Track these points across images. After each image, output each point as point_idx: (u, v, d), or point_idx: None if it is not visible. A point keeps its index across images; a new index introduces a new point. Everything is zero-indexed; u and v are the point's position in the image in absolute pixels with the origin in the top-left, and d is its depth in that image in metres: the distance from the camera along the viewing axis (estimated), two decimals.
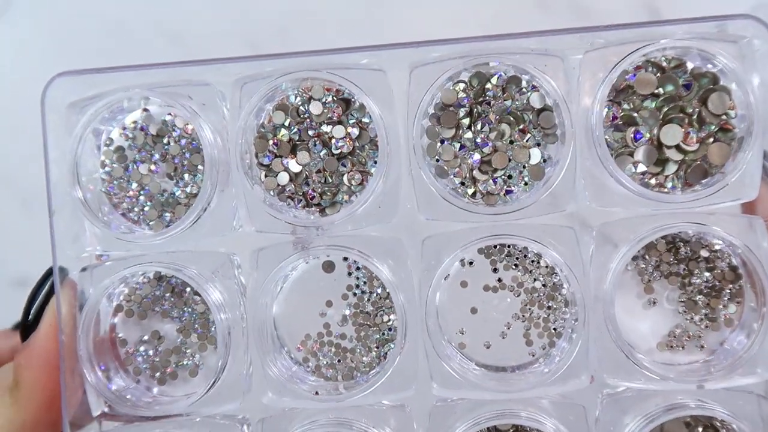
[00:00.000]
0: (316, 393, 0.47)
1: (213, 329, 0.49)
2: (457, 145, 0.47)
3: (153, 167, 0.49)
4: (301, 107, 0.47)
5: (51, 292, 0.48)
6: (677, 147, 0.45)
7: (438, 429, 0.48)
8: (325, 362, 0.49)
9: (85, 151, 0.49)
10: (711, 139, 0.45)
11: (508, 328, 0.49)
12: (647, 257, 0.48)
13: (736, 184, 0.45)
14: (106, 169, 0.49)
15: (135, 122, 0.49)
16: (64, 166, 0.48)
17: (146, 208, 0.49)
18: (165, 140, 0.49)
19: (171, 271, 0.47)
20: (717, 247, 0.47)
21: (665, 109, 0.45)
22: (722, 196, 0.45)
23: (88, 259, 0.49)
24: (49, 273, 0.48)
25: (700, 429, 0.47)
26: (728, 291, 0.47)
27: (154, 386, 0.50)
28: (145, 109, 0.49)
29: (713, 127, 0.45)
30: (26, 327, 0.49)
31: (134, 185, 0.49)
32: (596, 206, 0.48)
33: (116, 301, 0.50)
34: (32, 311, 0.48)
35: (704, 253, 0.47)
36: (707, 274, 0.47)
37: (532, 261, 0.48)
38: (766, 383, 0.46)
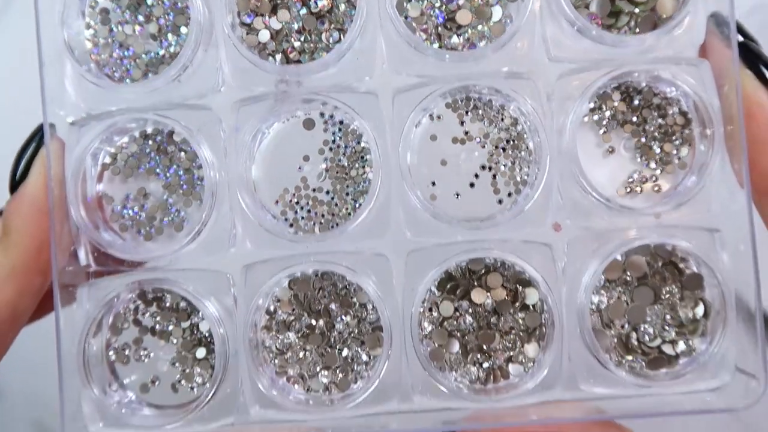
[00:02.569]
0: (291, 226, 0.49)
1: (198, 186, 0.51)
2: (424, 2, 0.50)
3: (137, 28, 0.51)
4: None
5: (39, 149, 0.50)
6: None
7: (414, 274, 0.50)
8: (302, 215, 0.52)
9: (71, 15, 0.51)
10: None
11: (477, 178, 0.51)
12: (603, 108, 0.51)
13: (684, 35, 0.49)
14: (91, 30, 0.51)
15: None
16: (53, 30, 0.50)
17: (131, 69, 0.51)
18: (149, 1, 0.51)
19: (158, 119, 0.49)
20: (668, 95, 0.50)
21: None
22: (671, 45, 0.49)
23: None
24: (37, 130, 0.50)
25: (660, 264, 0.49)
26: (680, 135, 0.50)
27: (140, 243, 0.52)
28: None
29: None
30: (15, 184, 0.50)
31: (118, 46, 0.51)
32: (555, 61, 0.51)
33: (102, 160, 0.52)
34: (20, 168, 0.50)
35: (656, 101, 0.50)
36: (660, 120, 0.50)
37: (497, 113, 0.51)
38: (719, 218, 0.49)
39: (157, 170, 0.52)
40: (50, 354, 0.48)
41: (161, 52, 0.51)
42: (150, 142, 0.52)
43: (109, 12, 0.52)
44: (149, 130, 0.52)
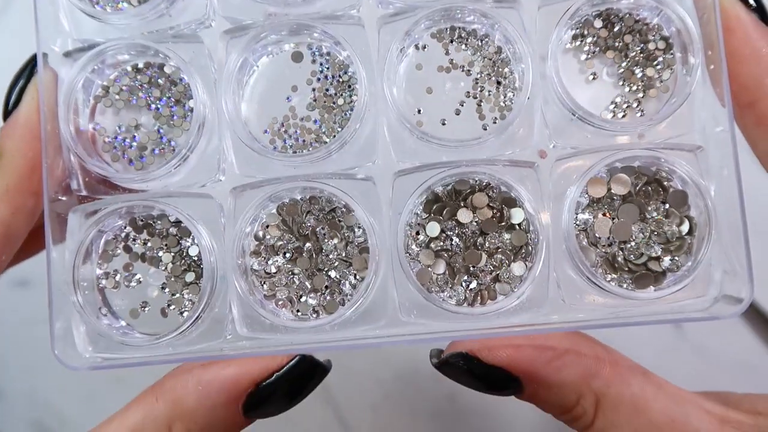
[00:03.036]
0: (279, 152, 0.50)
1: (189, 117, 0.52)
2: None
3: None
4: None
5: (30, 78, 0.51)
6: None
7: (401, 197, 0.51)
8: (290, 143, 0.52)
9: None
10: None
11: (462, 106, 0.52)
12: (585, 34, 0.52)
13: None
14: None
15: None
16: None
17: (123, 3, 0.53)
18: None
19: (152, 45, 0.50)
20: (649, 21, 0.51)
21: None
22: None
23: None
24: (30, 61, 0.51)
25: (644, 182, 0.50)
26: (662, 60, 0.51)
27: (132, 171, 0.53)
28: None
29: None
30: (8, 112, 0.51)
31: None
32: None
33: (94, 93, 0.53)
34: (13, 96, 0.51)
35: (638, 27, 0.51)
36: (642, 45, 0.51)
37: (481, 42, 0.52)
38: (702, 137, 0.50)
39: (149, 102, 0.53)
40: (50, 354, 0.48)
41: None
42: (141, 75, 0.53)
43: None
44: (140, 64, 0.53)
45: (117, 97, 0.53)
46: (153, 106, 0.53)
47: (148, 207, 0.51)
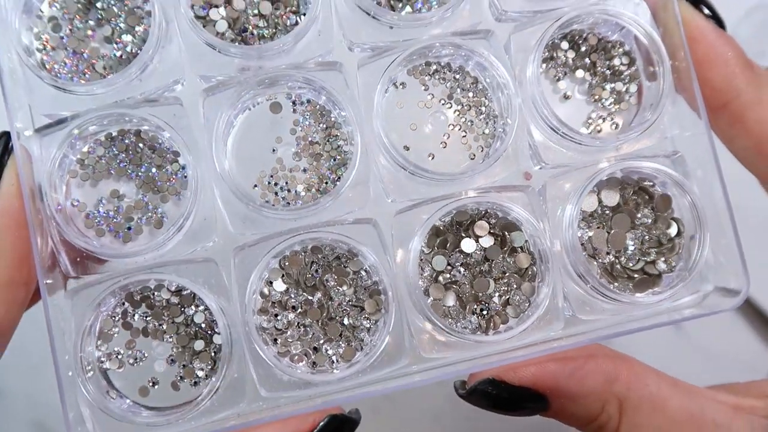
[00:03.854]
0: (273, 206, 0.50)
1: (172, 181, 0.51)
2: None
3: (90, 33, 0.51)
4: None
5: (2, 160, 0.48)
6: None
7: (403, 236, 0.51)
8: (282, 195, 0.52)
9: (23, 26, 0.50)
10: None
11: (447, 138, 0.53)
12: (554, 57, 0.54)
13: None
14: (42, 39, 0.51)
15: None
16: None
17: (89, 74, 0.51)
18: (99, 5, 0.51)
19: (131, 113, 0.49)
20: (612, 37, 0.54)
21: None
22: None
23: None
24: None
25: (631, 192, 0.52)
26: (627, 74, 0.54)
27: (119, 247, 0.51)
28: None
29: None
30: None
31: (72, 53, 0.51)
32: (503, 22, 0.54)
33: (69, 167, 0.51)
34: None
35: (601, 45, 0.54)
36: (608, 62, 0.54)
37: (456, 73, 0.53)
38: (676, 143, 0.53)
39: (129, 170, 0.51)
40: (50, 354, 0.46)
41: (118, 54, 0.51)
42: (116, 143, 0.51)
43: (58, 19, 0.51)
44: (114, 132, 0.51)
45: (94, 169, 0.51)
46: (133, 173, 0.51)
47: (143, 280, 0.49)
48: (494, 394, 0.48)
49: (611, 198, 0.52)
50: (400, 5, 0.53)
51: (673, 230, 0.52)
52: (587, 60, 0.54)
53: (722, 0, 0.52)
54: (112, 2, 0.51)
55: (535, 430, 0.74)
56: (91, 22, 0.51)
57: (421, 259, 0.51)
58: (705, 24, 0.50)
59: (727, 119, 0.50)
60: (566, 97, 0.54)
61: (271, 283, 0.50)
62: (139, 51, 0.51)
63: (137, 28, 0.51)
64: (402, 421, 0.73)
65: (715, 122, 0.51)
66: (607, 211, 0.52)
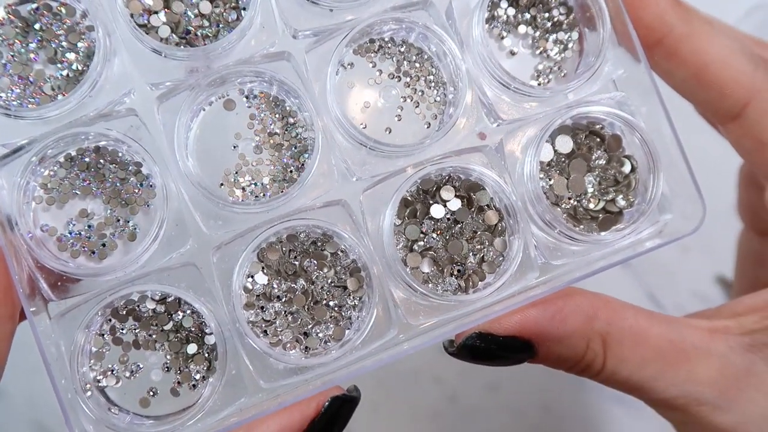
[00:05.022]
0: (242, 201, 0.51)
1: (138, 192, 0.51)
2: None
3: (32, 56, 0.51)
4: None
5: None
6: None
7: (373, 211, 0.52)
8: (250, 190, 0.52)
9: None
10: None
11: (401, 111, 0.54)
12: (496, 17, 0.55)
13: None
14: None
15: (1, 19, 0.50)
16: None
17: (38, 97, 0.51)
18: (37, 27, 0.51)
19: (89, 131, 0.49)
20: None
21: None
22: None
23: None
24: None
25: (583, 137, 0.54)
26: (567, 23, 0.55)
27: (95, 265, 0.51)
28: (9, 5, 0.51)
29: None
30: None
31: (16, 78, 0.50)
32: None
33: (33, 193, 0.51)
34: None
35: None
36: (547, 14, 0.55)
37: (401, 47, 0.54)
38: (620, 84, 0.55)
39: (93, 187, 0.51)
40: None
41: (64, 73, 0.51)
42: (77, 163, 0.51)
43: None
44: (73, 152, 0.51)
45: (59, 191, 0.51)
46: (99, 190, 0.51)
47: (126, 294, 0.50)
48: (482, 347, 0.50)
49: (565, 145, 0.54)
50: None
51: (627, 167, 0.54)
52: (527, 15, 0.55)
53: (722, 0, 0.54)
54: (51, 22, 0.51)
55: (534, 427, 0.77)
56: (32, 45, 0.51)
57: (395, 232, 0.52)
58: None
59: (663, 54, 0.53)
60: (513, 54, 0.56)
61: (253, 276, 0.51)
62: (85, 68, 0.51)
63: (80, 45, 0.51)
64: (400, 419, 0.75)
65: (652, 59, 0.53)
66: (563, 158, 0.54)
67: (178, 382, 0.50)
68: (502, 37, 0.55)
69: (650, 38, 0.52)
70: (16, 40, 0.51)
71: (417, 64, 0.54)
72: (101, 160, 0.51)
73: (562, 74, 0.56)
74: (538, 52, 0.56)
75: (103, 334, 0.50)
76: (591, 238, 0.52)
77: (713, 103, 0.53)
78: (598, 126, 0.54)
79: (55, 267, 0.49)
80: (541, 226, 0.53)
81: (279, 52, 0.53)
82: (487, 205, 0.53)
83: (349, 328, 0.51)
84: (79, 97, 0.49)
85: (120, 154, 0.51)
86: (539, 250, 0.54)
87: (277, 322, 0.51)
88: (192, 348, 0.50)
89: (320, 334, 0.51)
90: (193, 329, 0.51)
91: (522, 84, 0.52)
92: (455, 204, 0.53)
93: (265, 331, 0.51)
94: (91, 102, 0.51)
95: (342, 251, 0.52)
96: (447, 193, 0.53)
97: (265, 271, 0.51)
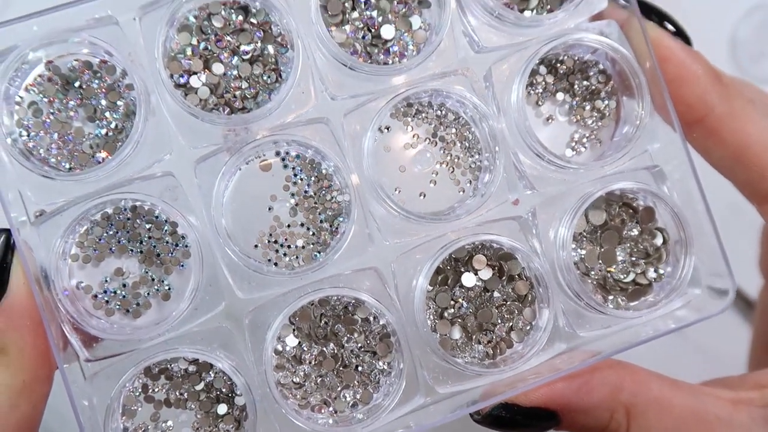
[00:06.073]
0: (276, 265, 0.51)
1: (173, 252, 0.52)
2: (347, 28, 0.53)
3: (72, 114, 0.51)
4: (204, 22, 0.51)
5: (5, 257, 0.49)
6: None
7: (403, 276, 0.53)
8: (284, 252, 0.53)
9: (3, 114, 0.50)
10: None
11: (436, 175, 0.54)
12: (534, 83, 0.55)
13: (585, 6, 0.54)
14: (25, 125, 0.50)
15: (41, 75, 0.51)
16: None
17: (76, 155, 0.51)
18: (77, 84, 0.51)
19: (121, 195, 0.49)
20: (586, 58, 0.55)
21: None
22: (582, 12, 0.54)
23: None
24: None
25: (616, 209, 0.54)
26: (605, 91, 0.55)
27: (130, 323, 0.52)
28: (49, 62, 0.51)
29: None
30: None
31: (56, 135, 0.51)
32: (481, 52, 0.54)
33: (70, 252, 0.51)
34: None
35: (578, 66, 0.55)
36: (585, 82, 0.55)
37: (439, 111, 0.54)
38: (656, 156, 0.55)
39: (129, 246, 0.51)
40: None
41: (103, 131, 0.51)
42: (114, 222, 0.51)
43: (37, 104, 0.51)
44: (110, 211, 0.51)
45: (95, 249, 0.51)
46: (134, 249, 0.52)
47: (163, 352, 0.50)
48: (507, 417, 0.51)
49: (598, 217, 0.54)
50: (376, 51, 0.53)
51: (658, 240, 0.54)
52: (565, 82, 0.55)
53: (722, 0, 0.53)
54: (90, 80, 0.51)
55: None
56: (72, 103, 0.51)
57: (426, 298, 0.52)
58: (673, 44, 0.51)
59: (703, 132, 0.53)
60: (549, 120, 0.56)
61: (284, 339, 0.52)
62: (123, 126, 0.51)
63: (119, 103, 0.51)
64: None
65: (691, 135, 0.53)
66: (595, 229, 0.54)
67: None
68: (540, 104, 0.55)
69: (690, 117, 0.52)
70: (56, 98, 0.51)
71: (453, 129, 0.54)
72: (137, 220, 0.51)
73: (599, 142, 0.56)
74: (575, 119, 0.55)
75: (134, 392, 0.51)
76: (616, 313, 0.53)
77: (753, 185, 0.53)
78: (631, 197, 0.54)
79: (89, 325, 0.49)
80: (570, 295, 0.53)
81: (317, 117, 0.53)
82: (518, 275, 0.53)
83: (377, 392, 0.52)
84: (121, 159, 0.49)
85: (156, 214, 0.52)
86: (566, 317, 0.54)
87: (306, 385, 0.52)
88: (222, 408, 0.51)
89: (348, 398, 0.52)
90: (223, 389, 0.51)
91: (556, 157, 0.52)
92: (486, 273, 0.53)
93: (295, 394, 0.51)
94: (131, 161, 0.51)
95: (373, 317, 0.52)
96: (479, 262, 0.53)
97: (296, 333, 0.52)
